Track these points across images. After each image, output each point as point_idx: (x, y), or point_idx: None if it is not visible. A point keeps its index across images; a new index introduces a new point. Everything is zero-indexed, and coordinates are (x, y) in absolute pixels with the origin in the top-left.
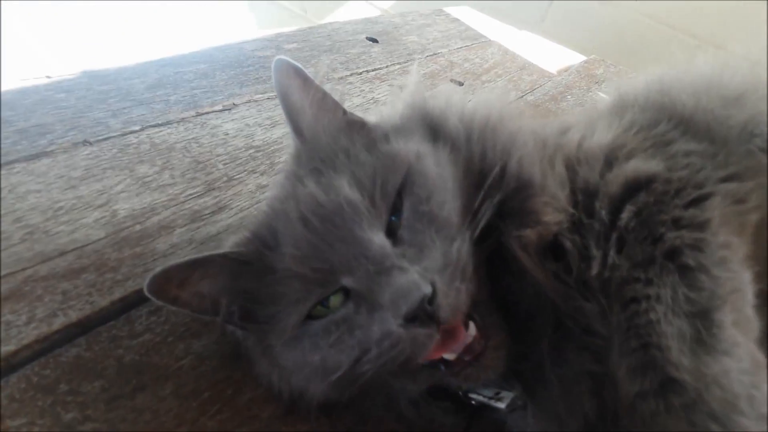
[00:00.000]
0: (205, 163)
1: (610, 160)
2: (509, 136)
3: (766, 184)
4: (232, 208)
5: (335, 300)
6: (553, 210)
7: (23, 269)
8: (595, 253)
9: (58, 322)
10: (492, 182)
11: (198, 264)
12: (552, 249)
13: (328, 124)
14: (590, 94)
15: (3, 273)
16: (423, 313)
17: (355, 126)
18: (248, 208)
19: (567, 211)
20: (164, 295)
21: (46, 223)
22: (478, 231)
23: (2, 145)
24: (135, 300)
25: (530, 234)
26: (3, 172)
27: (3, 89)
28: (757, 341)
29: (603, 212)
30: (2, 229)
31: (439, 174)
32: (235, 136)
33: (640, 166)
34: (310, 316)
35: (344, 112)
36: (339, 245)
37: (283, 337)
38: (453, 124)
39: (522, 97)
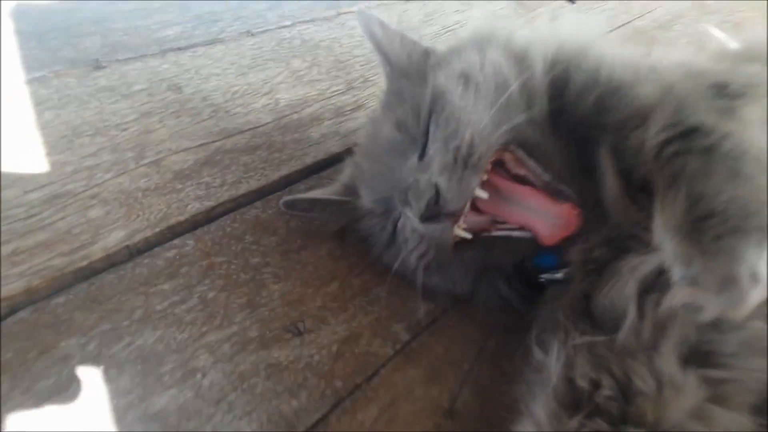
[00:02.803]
0: (345, 63)
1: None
2: (597, 57)
3: None
4: (367, 107)
5: None
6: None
7: (213, 141)
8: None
9: (244, 188)
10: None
11: (314, 202)
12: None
13: (410, 52)
14: (699, 25)
15: (198, 143)
16: (434, 213)
17: (427, 55)
18: None
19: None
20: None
21: (227, 104)
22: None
23: (184, 29)
24: (296, 177)
25: (639, 135)
26: (188, 54)
27: None
28: None
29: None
30: (194, 105)
31: (462, 94)
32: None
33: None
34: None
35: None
36: (386, 177)
37: (384, 247)
38: (536, 56)
39: (631, 21)
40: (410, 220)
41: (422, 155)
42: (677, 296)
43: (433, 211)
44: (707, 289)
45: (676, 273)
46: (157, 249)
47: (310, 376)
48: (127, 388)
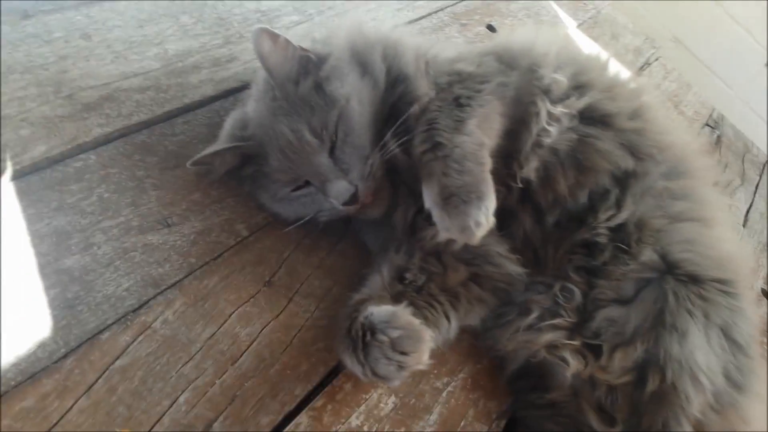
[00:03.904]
0: (225, 20)
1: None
2: (402, 54)
3: (525, 87)
4: (240, 60)
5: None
6: (424, 87)
7: (114, 81)
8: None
9: (135, 119)
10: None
11: (213, 155)
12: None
13: (288, 64)
14: None
15: (102, 83)
16: (352, 201)
17: (305, 61)
18: (251, 61)
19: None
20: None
21: (126, 52)
22: (386, 155)
23: None
24: (176, 113)
25: (416, 108)
26: (97, 8)
27: None
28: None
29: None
30: (100, 51)
31: (360, 112)
32: None
33: (463, 66)
34: None
35: (300, 48)
36: (304, 166)
37: (275, 198)
38: (378, 67)
39: None
40: (332, 202)
41: (331, 153)
42: (441, 236)
43: (352, 200)
44: (455, 234)
45: (439, 227)
46: (69, 161)
47: (173, 254)
48: (46, 252)
